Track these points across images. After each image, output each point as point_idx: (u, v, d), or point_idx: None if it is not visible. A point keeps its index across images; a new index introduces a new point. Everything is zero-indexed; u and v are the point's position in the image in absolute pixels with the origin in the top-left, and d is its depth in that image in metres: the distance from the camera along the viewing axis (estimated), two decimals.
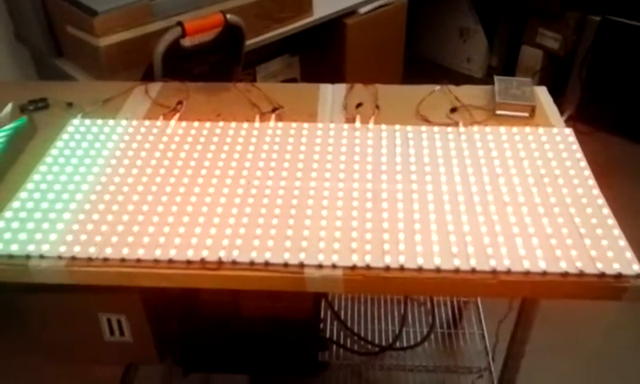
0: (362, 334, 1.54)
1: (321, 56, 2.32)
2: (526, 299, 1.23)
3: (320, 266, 0.84)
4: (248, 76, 2.23)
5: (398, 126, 1.12)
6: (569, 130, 1.11)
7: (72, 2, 1.61)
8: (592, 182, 0.99)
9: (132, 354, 1.46)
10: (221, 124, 1.14)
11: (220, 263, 0.85)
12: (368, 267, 0.84)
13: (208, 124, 1.14)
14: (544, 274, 0.83)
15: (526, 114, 1.16)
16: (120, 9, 1.59)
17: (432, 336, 1.52)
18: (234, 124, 1.14)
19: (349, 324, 1.54)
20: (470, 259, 0.84)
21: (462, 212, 0.92)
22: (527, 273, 0.83)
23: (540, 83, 1.27)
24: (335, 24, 2.16)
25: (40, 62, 2.01)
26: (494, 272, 0.83)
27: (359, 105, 1.21)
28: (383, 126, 1.13)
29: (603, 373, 1.63)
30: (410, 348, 1.51)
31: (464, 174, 1.01)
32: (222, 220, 0.91)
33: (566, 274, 0.82)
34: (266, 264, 0.85)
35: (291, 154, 1.06)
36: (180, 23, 1.54)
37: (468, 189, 0.97)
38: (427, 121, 1.15)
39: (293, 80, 2.42)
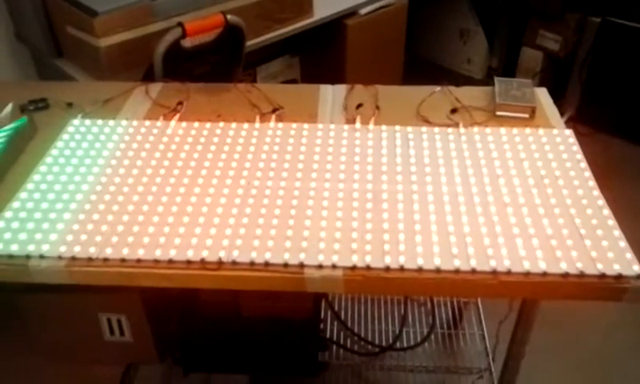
0: (362, 335, 1.54)
1: (321, 57, 2.32)
2: (526, 300, 1.23)
3: (320, 267, 0.84)
4: (248, 77, 2.23)
5: (398, 127, 1.12)
6: (569, 131, 1.11)
7: (72, 2, 1.61)
8: (592, 183, 0.99)
9: (132, 354, 1.46)
10: (221, 124, 1.14)
11: (220, 263, 0.85)
12: (368, 267, 0.84)
13: (208, 124, 1.14)
14: (544, 274, 0.83)
15: (527, 115, 1.16)
16: (120, 9, 1.59)
17: (432, 336, 1.52)
18: (234, 124, 1.14)
19: (349, 324, 1.54)
20: (470, 260, 0.84)
21: (462, 213, 0.92)
22: (527, 273, 0.83)
23: (540, 84, 1.27)
24: (335, 25, 2.16)
25: (40, 62, 2.01)
26: (494, 272, 0.83)
27: (359, 105, 1.21)
28: (383, 127, 1.13)
29: (603, 373, 1.63)
30: (410, 348, 1.51)
31: (464, 174, 1.01)
32: (222, 220, 0.92)
33: (566, 275, 0.83)
34: (266, 264, 0.85)
35: (291, 155, 1.06)
36: (180, 24, 1.54)
37: (468, 189, 0.97)
38: (427, 122, 1.15)
39: (293, 81, 2.42)
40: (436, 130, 1.12)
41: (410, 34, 2.48)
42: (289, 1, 1.96)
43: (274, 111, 1.18)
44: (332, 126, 1.13)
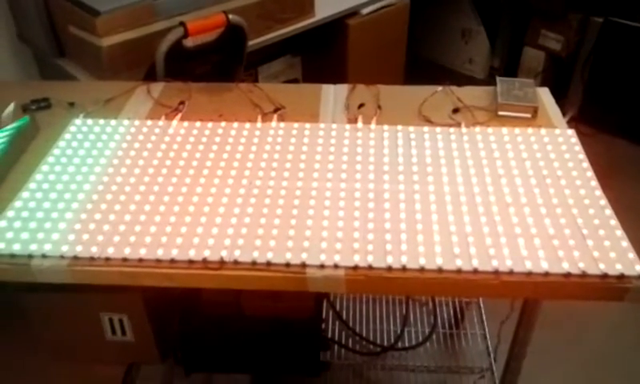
0: (364, 334, 1.54)
1: (323, 57, 2.32)
2: (528, 300, 1.23)
3: (322, 266, 0.84)
4: (250, 76, 2.23)
5: (400, 127, 1.12)
6: (571, 131, 1.11)
7: (74, 2, 1.61)
8: (594, 183, 0.99)
9: (134, 354, 1.46)
10: (223, 124, 1.14)
11: (222, 263, 0.85)
12: (370, 267, 0.84)
13: (210, 124, 1.14)
14: (546, 274, 0.83)
15: (529, 115, 1.16)
16: (122, 9, 1.59)
17: (434, 336, 1.52)
18: (236, 124, 1.14)
19: (350, 324, 1.54)
20: (472, 259, 0.84)
21: (464, 212, 0.92)
22: (529, 273, 0.83)
23: (542, 84, 1.27)
24: (337, 25, 2.16)
25: (42, 61, 2.02)
26: (496, 272, 0.83)
27: (361, 105, 1.21)
28: (385, 127, 1.13)
29: (605, 373, 1.63)
30: (412, 348, 1.51)
31: (466, 174, 1.01)
32: (224, 220, 0.92)
33: (568, 275, 0.82)
34: (268, 264, 0.85)
35: (293, 155, 1.06)
36: (182, 23, 1.54)
37: (470, 189, 0.97)
38: (429, 121, 1.15)
39: (295, 81, 2.42)
40: (438, 129, 1.12)
41: (411, 34, 2.48)
42: (290, 1, 1.96)
43: (275, 111, 1.18)
44: (334, 126, 1.13)
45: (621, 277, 0.82)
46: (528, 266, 0.83)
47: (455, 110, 1.18)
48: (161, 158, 1.06)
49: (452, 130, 1.12)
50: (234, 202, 0.95)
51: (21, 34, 1.98)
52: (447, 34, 3.04)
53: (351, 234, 0.89)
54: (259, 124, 1.15)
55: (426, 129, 1.12)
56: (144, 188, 0.98)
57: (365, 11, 2.20)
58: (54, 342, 1.48)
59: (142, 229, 0.90)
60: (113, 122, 1.16)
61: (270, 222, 0.91)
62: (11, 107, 1.17)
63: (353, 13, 2.18)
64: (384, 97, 1.23)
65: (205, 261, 0.86)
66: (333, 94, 1.26)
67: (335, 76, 2.01)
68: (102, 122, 1.15)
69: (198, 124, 1.15)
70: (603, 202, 0.95)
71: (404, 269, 0.84)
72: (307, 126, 1.13)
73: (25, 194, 0.97)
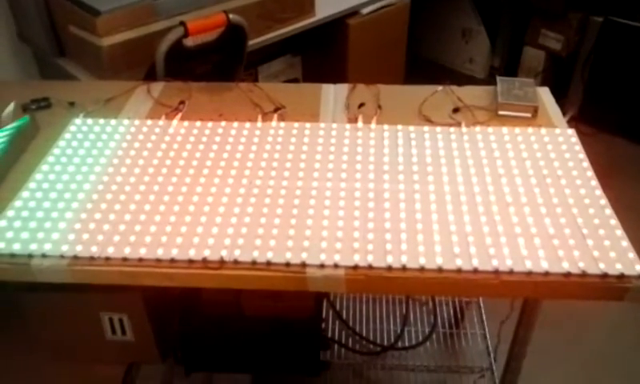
0: (364, 334, 1.54)
1: (323, 56, 2.32)
2: (528, 299, 1.23)
3: (322, 266, 0.84)
4: (250, 76, 2.23)
5: (400, 126, 1.12)
6: (571, 131, 1.11)
7: (75, 1, 1.61)
8: (594, 182, 0.99)
9: (134, 354, 1.46)
10: (223, 124, 1.14)
11: (222, 262, 0.85)
12: (370, 267, 0.84)
13: (210, 124, 1.14)
14: (546, 274, 0.83)
15: (529, 115, 1.16)
16: (123, 8, 1.59)
17: (434, 336, 1.52)
18: (236, 124, 1.14)
19: (350, 324, 1.54)
20: (472, 259, 0.84)
21: (464, 212, 0.92)
22: (529, 273, 0.83)
23: (542, 84, 1.27)
24: (337, 24, 2.16)
25: (42, 61, 2.02)
26: (496, 272, 0.83)
27: (361, 105, 1.21)
28: (385, 126, 1.13)
29: (605, 373, 1.63)
30: (412, 348, 1.51)
31: (466, 174, 1.01)
32: (224, 219, 0.92)
33: (568, 275, 0.82)
34: (268, 263, 0.85)
35: (293, 154, 1.06)
36: (183, 23, 1.54)
37: (470, 189, 0.97)
38: (429, 121, 1.15)
39: (295, 80, 2.42)
40: (438, 129, 1.12)
41: (411, 34, 2.48)
42: (291, 0, 1.96)
43: (275, 110, 1.18)
44: (334, 126, 1.13)
45: (621, 276, 0.82)
46: (528, 265, 0.83)
47: (455, 110, 1.18)
48: (161, 157, 1.06)
49: (452, 129, 1.12)
50: (234, 201, 0.95)
51: (21, 33, 1.98)
52: (447, 33, 3.04)
53: (351, 233, 0.89)
54: (259, 124, 1.15)
55: (426, 128, 1.12)
56: (144, 188, 0.98)
57: (365, 11, 2.20)
58: (53, 342, 1.47)
59: (142, 228, 0.90)
60: (113, 121, 1.16)
61: (270, 221, 0.91)
62: (11, 107, 1.17)
63: (353, 12, 2.18)
64: (384, 96, 1.23)
65: (205, 260, 0.86)
66: (333, 93, 1.26)
67: (335, 76, 2.01)
68: (102, 121, 1.15)
69: (198, 124, 1.15)
70: (603, 201, 0.95)
71: (404, 268, 0.84)
72: (307, 125, 1.13)
73: (25, 194, 0.97)
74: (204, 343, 1.37)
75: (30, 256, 0.87)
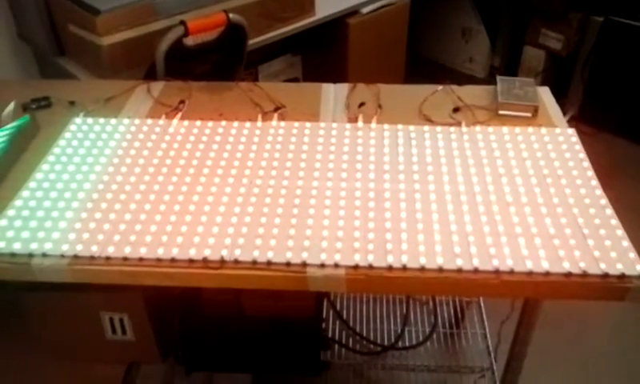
0: (364, 334, 1.54)
1: (323, 56, 2.32)
2: (529, 299, 1.23)
3: (322, 266, 0.84)
4: (250, 75, 2.23)
5: (400, 126, 1.12)
6: (572, 131, 1.11)
7: (75, 0, 1.61)
8: (595, 182, 0.99)
9: (134, 353, 1.46)
10: (223, 123, 1.14)
11: (222, 262, 0.85)
12: (370, 267, 0.84)
13: (210, 123, 1.14)
14: (547, 274, 0.82)
15: (529, 115, 1.16)
16: (123, 8, 1.59)
17: (434, 336, 1.52)
18: (236, 123, 1.14)
19: (351, 323, 1.54)
20: (472, 259, 0.84)
21: (464, 212, 0.92)
22: (530, 273, 0.83)
23: (542, 84, 1.27)
24: (338, 24, 2.16)
25: (42, 60, 2.02)
26: (496, 272, 0.83)
27: (361, 104, 1.21)
28: (386, 126, 1.13)
29: (605, 373, 1.63)
30: (412, 348, 1.51)
31: (467, 173, 1.01)
32: (225, 219, 0.91)
33: (569, 275, 0.82)
34: (269, 263, 0.85)
35: (293, 154, 1.06)
36: (183, 22, 1.54)
37: (471, 189, 0.97)
38: (430, 120, 1.15)
39: (295, 80, 2.41)
40: (438, 128, 1.12)
41: (412, 33, 2.48)
42: (291, 0, 1.96)
43: (276, 110, 1.18)
44: (334, 125, 1.13)
45: (621, 276, 0.82)
46: (529, 265, 0.83)
47: (456, 109, 1.18)
48: (161, 157, 1.06)
49: (452, 129, 1.12)
50: (235, 201, 0.95)
51: (21, 32, 1.98)
52: (447, 32, 3.04)
53: (352, 233, 0.89)
54: (259, 123, 1.14)
55: (426, 128, 1.12)
56: (144, 187, 0.98)
57: (365, 10, 2.20)
58: (54, 341, 1.47)
59: (143, 228, 0.90)
60: (113, 120, 1.15)
61: (271, 221, 0.91)
62: (11, 106, 1.17)
63: (353, 12, 2.18)
64: (384, 96, 1.23)
65: (205, 260, 0.85)
66: (333, 93, 1.26)
67: (335, 75, 2.01)
68: (102, 120, 1.15)
69: (198, 123, 1.14)
70: (604, 201, 0.94)
71: (404, 268, 0.84)
72: (307, 125, 1.13)
73: (25, 193, 0.97)
74: (204, 343, 1.37)
75: (31, 255, 0.87)
